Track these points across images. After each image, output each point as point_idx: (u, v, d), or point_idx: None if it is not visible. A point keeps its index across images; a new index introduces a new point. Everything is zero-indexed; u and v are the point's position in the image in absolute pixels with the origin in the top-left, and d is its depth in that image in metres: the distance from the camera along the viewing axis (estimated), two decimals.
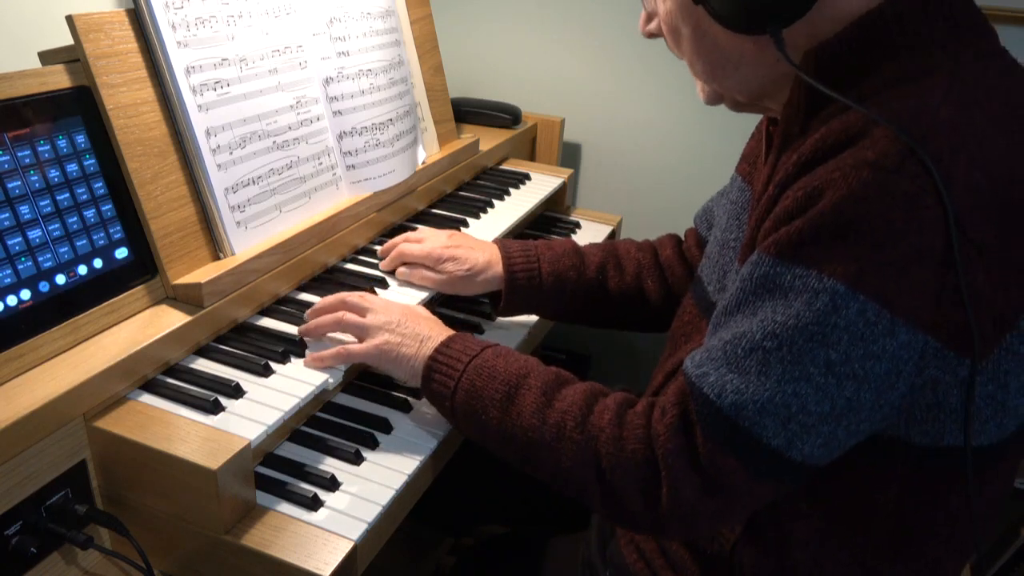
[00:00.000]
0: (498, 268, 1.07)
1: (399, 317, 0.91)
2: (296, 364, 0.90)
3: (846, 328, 0.60)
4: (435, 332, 0.89)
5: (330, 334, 0.94)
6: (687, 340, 0.88)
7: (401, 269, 1.09)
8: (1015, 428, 0.67)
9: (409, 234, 1.15)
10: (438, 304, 1.16)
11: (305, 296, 1.05)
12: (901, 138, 0.58)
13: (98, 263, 0.84)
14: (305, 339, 0.94)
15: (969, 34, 0.66)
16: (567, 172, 1.60)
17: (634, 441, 0.71)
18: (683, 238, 1.16)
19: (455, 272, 1.06)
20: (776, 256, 0.64)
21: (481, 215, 1.35)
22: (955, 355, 0.62)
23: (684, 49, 0.77)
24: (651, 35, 0.81)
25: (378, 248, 1.17)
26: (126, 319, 0.86)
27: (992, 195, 0.60)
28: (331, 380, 0.89)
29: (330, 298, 0.96)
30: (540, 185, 1.52)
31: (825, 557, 0.73)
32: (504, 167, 1.60)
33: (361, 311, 0.92)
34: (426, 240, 1.10)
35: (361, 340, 0.91)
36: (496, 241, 1.11)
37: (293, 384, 0.87)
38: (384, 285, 1.09)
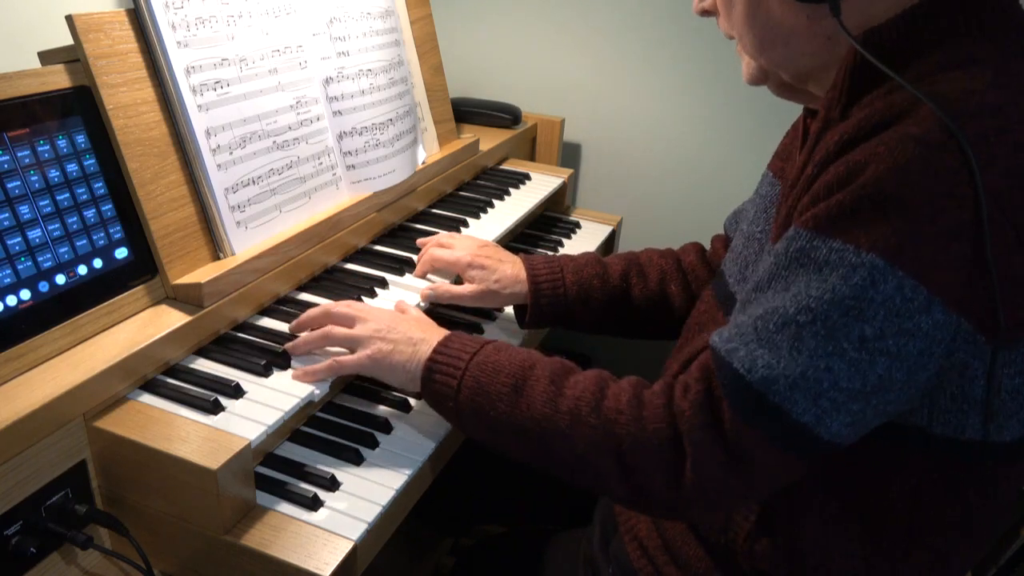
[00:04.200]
0: (525, 280, 1.06)
1: (388, 323, 0.89)
2: (296, 365, 0.90)
3: (883, 303, 0.59)
4: (428, 333, 0.87)
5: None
6: (701, 329, 0.87)
7: (425, 291, 1.07)
8: None
9: (440, 237, 1.14)
10: (439, 304, 1.16)
11: (305, 296, 1.05)
12: (943, 117, 0.59)
13: (98, 263, 0.84)
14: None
15: (1017, 31, 0.67)
16: (567, 172, 1.60)
17: (656, 420, 0.70)
18: (708, 245, 1.16)
19: (484, 280, 1.05)
20: (813, 230, 0.63)
21: (481, 215, 1.35)
22: (984, 340, 0.61)
23: (735, 20, 0.76)
24: (704, 12, 0.81)
25: (377, 247, 1.17)
26: (126, 319, 0.86)
27: None
28: (317, 392, 0.86)
29: (314, 311, 0.93)
30: (540, 185, 1.52)
31: (834, 548, 0.73)
32: (504, 167, 1.61)
33: (348, 321, 0.90)
34: (456, 246, 1.10)
35: (352, 351, 0.89)
36: (520, 255, 1.10)
37: (293, 384, 0.87)
38: (384, 285, 1.09)
